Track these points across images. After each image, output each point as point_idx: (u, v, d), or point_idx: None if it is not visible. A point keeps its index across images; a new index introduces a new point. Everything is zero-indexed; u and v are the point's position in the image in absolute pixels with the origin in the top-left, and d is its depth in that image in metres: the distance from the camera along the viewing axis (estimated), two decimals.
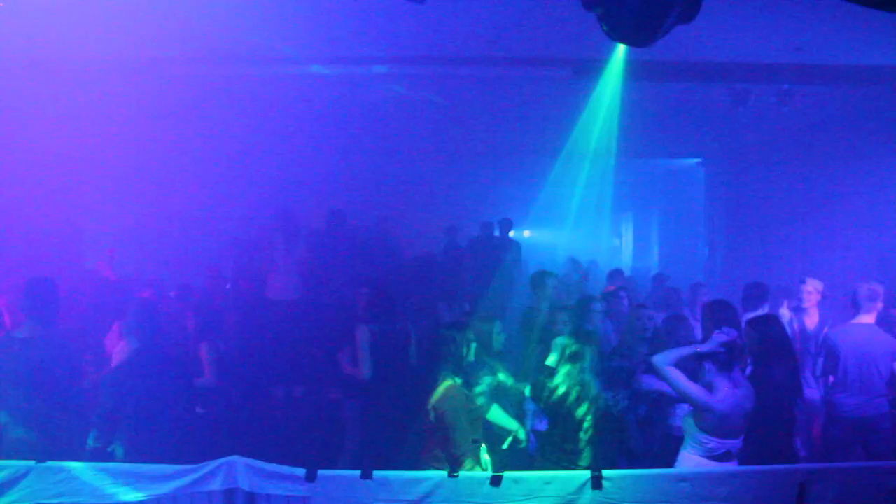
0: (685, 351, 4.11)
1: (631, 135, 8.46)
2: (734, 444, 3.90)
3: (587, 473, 3.50)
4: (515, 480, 3.49)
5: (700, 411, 3.93)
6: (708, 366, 4.03)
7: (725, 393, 3.91)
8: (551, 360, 4.38)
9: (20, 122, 6.72)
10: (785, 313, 6.23)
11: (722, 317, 4.62)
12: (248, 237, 7.97)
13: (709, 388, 3.96)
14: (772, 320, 4.73)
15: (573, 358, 4.20)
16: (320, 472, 3.49)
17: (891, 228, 7.60)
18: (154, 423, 4.18)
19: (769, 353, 4.45)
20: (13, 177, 7.07)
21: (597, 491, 3.46)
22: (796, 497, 3.47)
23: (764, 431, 4.19)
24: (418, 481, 3.51)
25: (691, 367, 4.11)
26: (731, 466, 3.94)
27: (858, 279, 5.49)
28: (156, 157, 8.90)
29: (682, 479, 3.56)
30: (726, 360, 3.97)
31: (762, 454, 4.03)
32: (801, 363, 5.57)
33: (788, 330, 5.89)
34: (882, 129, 7.41)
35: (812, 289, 6.08)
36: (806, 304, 6.08)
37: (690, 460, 3.96)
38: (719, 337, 4.02)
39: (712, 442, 3.88)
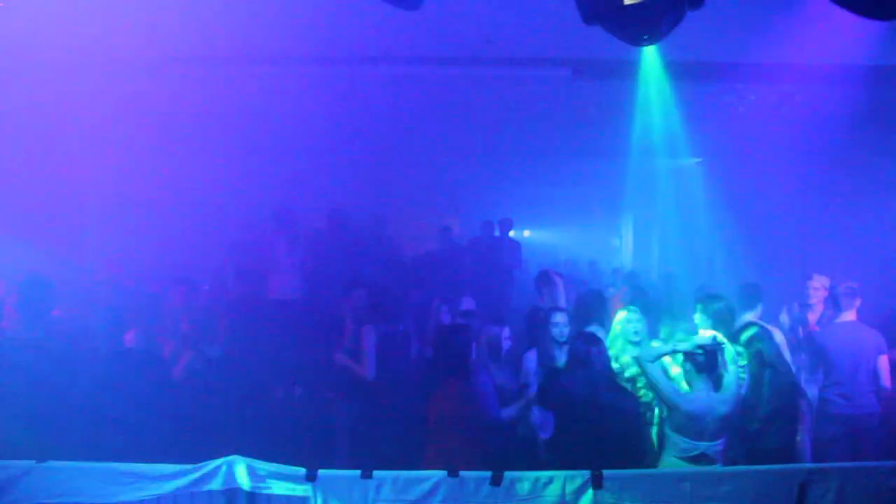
0: (666, 349, 4.16)
1: (631, 135, 8.46)
2: (709, 446, 3.91)
3: (587, 473, 3.50)
4: (515, 480, 3.50)
5: (670, 410, 3.97)
6: (686, 366, 4.08)
7: (697, 394, 3.95)
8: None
9: (20, 122, 6.71)
10: (784, 319, 6.21)
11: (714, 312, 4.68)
12: (248, 237, 7.96)
13: (686, 387, 4.01)
14: (753, 329, 4.73)
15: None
16: (320, 472, 3.50)
17: (892, 228, 7.60)
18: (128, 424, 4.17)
19: (755, 364, 4.46)
20: (14, 176, 7.06)
21: (597, 491, 3.46)
22: (796, 497, 3.47)
23: (764, 437, 4.22)
24: (418, 481, 3.51)
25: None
26: (731, 466, 3.95)
27: (859, 279, 5.53)
28: (154, 157, 8.89)
29: (682, 479, 3.56)
30: (704, 361, 4.00)
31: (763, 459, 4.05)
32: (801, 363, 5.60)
33: (786, 330, 5.90)
34: (882, 128, 7.41)
35: (819, 285, 6.10)
36: (812, 301, 6.11)
37: (666, 461, 4.00)
38: (697, 339, 4.07)
39: (684, 442, 3.92)
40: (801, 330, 6.02)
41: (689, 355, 4.06)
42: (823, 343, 5.36)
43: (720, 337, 4.20)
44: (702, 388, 3.97)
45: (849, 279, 5.51)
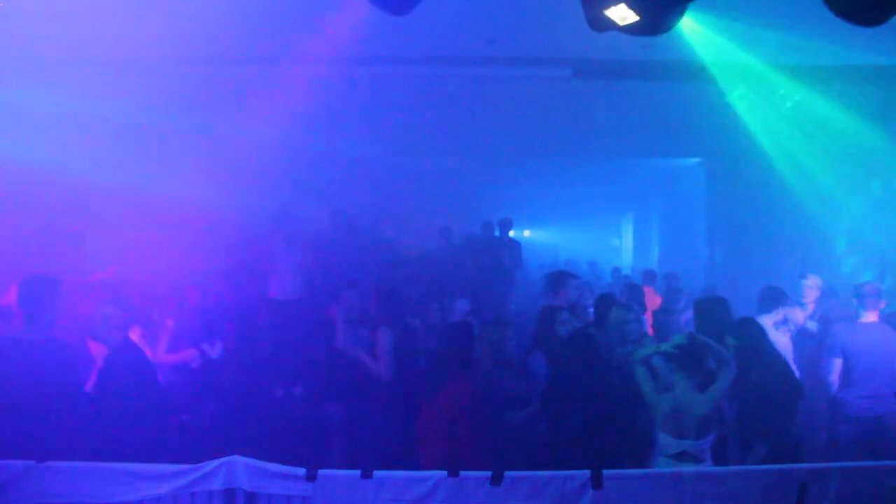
0: (651, 349, 4.24)
1: (631, 135, 8.46)
2: (692, 444, 3.92)
3: (587, 473, 3.50)
4: (515, 480, 3.50)
5: (652, 408, 4.03)
6: (669, 365, 4.12)
7: (677, 392, 3.98)
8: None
9: (20, 122, 6.72)
10: (798, 316, 6.15)
11: (713, 315, 4.68)
12: (248, 237, 7.96)
13: (668, 386, 4.04)
14: (748, 324, 4.72)
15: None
16: (320, 472, 3.49)
17: (892, 229, 7.60)
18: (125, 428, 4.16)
19: (748, 358, 4.46)
20: (14, 177, 7.06)
21: (597, 491, 3.46)
22: (796, 497, 3.47)
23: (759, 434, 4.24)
24: (418, 481, 3.50)
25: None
26: (731, 466, 3.96)
27: (858, 279, 5.52)
28: (154, 157, 8.89)
29: (682, 479, 3.56)
30: (686, 360, 4.02)
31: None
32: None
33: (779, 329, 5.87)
34: (882, 128, 7.41)
35: (812, 284, 6.08)
36: (805, 300, 6.07)
37: (653, 459, 4.05)
38: (678, 338, 4.11)
39: (666, 439, 3.95)
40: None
41: (671, 355, 4.10)
42: (843, 342, 5.24)
43: (702, 337, 4.20)
44: (682, 386, 4.01)
45: (848, 280, 5.49)
